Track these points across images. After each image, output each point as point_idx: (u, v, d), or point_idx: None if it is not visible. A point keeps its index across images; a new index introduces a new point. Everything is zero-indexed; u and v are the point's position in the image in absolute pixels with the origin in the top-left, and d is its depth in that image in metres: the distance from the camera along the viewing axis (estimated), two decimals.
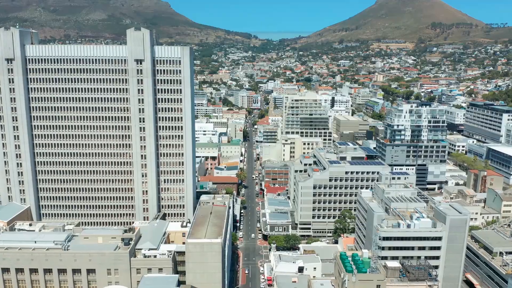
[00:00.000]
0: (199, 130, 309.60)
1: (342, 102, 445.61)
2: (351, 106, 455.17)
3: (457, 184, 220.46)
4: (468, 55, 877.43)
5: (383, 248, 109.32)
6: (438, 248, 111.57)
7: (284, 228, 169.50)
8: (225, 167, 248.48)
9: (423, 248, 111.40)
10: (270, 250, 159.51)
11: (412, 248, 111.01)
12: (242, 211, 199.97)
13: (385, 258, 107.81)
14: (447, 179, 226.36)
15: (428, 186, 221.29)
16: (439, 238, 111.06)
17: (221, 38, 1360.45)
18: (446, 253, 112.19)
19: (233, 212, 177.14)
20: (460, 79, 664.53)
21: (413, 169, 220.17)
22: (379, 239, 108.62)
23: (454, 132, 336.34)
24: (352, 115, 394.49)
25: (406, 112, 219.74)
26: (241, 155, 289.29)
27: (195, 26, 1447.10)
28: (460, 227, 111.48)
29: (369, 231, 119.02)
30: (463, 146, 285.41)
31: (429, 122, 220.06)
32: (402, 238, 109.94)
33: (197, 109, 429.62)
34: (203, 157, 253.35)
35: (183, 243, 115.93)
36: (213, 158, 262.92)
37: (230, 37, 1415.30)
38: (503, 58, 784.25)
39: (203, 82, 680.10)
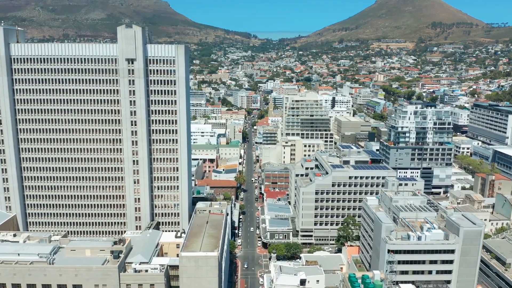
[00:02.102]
0: (197, 131, 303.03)
1: (343, 102, 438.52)
2: (352, 106, 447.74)
3: (463, 188, 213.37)
4: (469, 55, 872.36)
5: (392, 262, 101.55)
6: (451, 262, 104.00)
7: (285, 235, 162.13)
8: (223, 169, 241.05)
9: (434, 262, 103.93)
10: (270, 259, 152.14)
11: (423, 262, 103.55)
12: (241, 217, 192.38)
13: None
14: (452, 182, 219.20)
15: (433, 190, 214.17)
16: (452, 251, 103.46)
17: (220, 38, 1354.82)
18: (459, 267, 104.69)
19: (231, 218, 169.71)
20: (461, 79, 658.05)
21: (418, 172, 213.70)
22: (388, 252, 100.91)
23: (458, 133, 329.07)
24: (353, 115, 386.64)
25: (410, 114, 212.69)
26: (240, 157, 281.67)
27: (195, 25, 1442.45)
28: (474, 239, 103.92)
29: (376, 243, 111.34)
30: (468, 148, 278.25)
31: (435, 124, 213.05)
32: (412, 252, 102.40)
33: (195, 109, 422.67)
34: (200, 159, 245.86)
35: (177, 255, 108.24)
36: (211, 160, 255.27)
37: (229, 37, 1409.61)
38: (504, 58, 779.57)
39: (202, 81, 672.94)
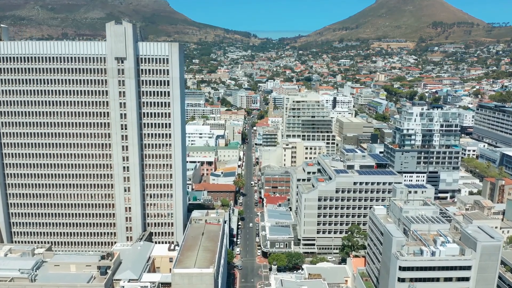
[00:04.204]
0: (195, 132, 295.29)
1: (344, 102, 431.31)
2: (353, 107, 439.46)
3: (470, 193, 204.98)
4: (470, 55, 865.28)
5: (403, 280, 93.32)
6: (467, 279, 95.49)
7: (286, 244, 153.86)
8: (222, 172, 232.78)
9: (449, 280, 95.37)
10: (270, 269, 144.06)
11: (437, 280, 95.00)
12: (239, 223, 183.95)
13: None
14: (459, 187, 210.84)
15: (439, 195, 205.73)
16: (468, 268, 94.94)
17: (220, 37, 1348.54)
18: (476, 284, 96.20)
19: (229, 225, 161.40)
20: (463, 79, 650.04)
21: (423, 176, 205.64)
22: (400, 269, 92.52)
23: (462, 134, 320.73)
24: (355, 116, 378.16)
25: (416, 116, 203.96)
26: (239, 159, 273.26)
27: (194, 24, 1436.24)
28: (493, 254, 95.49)
29: (385, 257, 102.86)
30: (473, 151, 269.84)
31: (441, 126, 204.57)
32: (425, 268, 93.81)
33: (194, 109, 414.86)
34: (198, 162, 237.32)
35: (170, 270, 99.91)
36: (209, 163, 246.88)
37: (229, 36, 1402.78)
38: (506, 58, 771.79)
39: (201, 81, 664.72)
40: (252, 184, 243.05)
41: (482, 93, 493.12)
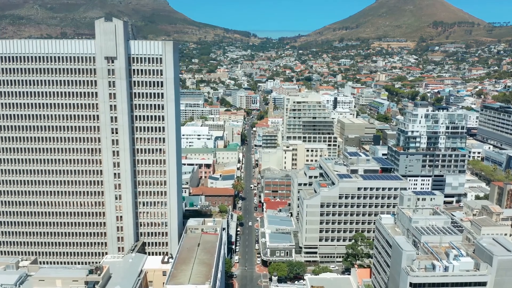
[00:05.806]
0: (193, 134, 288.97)
1: (345, 103, 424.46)
2: (354, 107, 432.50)
3: (477, 197, 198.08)
4: (471, 54, 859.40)
5: None
6: None
7: (287, 252, 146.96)
8: (220, 175, 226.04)
9: None
10: (270, 279, 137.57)
11: None
12: (238, 229, 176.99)
13: None
14: (465, 191, 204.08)
15: (445, 199, 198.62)
16: (484, 284, 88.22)
17: (219, 37, 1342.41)
18: None
19: (227, 232, 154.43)
20: (465, 78, 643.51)
21: (429, 180, 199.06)
22: (411, 285, 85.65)
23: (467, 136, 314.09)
24: (356, 117, 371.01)
25: (421, 117, 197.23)
26: (239, 161, 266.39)
27: (194, 24, 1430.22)
28: (510, 269, 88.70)
29: (394, 272, 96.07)
30: (478, 153, 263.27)
31: (447, 128, 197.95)
32: (438, 285, 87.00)
33: (192, 110, 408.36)
34: (196, 165, 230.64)
35: (163, 284, 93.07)
36: (208, 165, 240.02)
37: (229, 36, 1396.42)
38: (507, 58, 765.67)
39: (201, 81, 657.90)
40: (251, 187, 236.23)
41: (485, 93, 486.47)
